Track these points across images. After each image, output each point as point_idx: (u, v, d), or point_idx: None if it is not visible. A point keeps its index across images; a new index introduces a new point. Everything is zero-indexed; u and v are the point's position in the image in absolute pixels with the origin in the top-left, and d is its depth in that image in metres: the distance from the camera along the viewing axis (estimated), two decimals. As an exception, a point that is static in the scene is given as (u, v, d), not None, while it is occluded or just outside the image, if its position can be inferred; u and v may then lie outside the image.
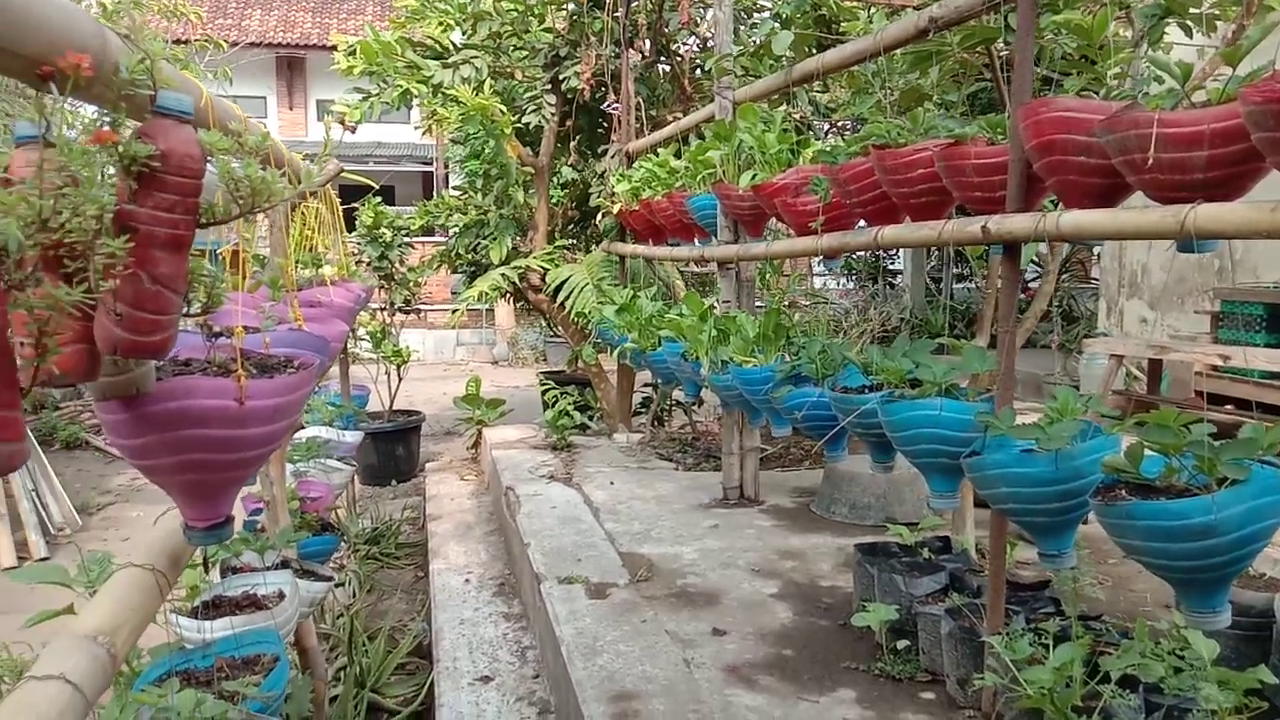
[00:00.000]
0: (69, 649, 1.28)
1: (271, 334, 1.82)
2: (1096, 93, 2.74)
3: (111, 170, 1.13)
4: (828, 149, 3.18)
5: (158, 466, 1.47)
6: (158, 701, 1.99)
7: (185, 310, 1.22)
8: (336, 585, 3.29)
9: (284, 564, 2.82)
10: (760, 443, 4.74)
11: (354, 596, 4.56)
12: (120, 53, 1.13)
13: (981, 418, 2.27)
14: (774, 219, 3.93)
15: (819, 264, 12.39)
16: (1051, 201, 2.54)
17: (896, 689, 2.69)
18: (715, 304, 4.47)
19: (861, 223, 3.09)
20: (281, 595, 2.56)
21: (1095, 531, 3.60)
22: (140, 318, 1.14)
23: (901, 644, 2.82)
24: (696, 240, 4.71)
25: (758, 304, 4.67)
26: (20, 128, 1.17)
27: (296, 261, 2.91)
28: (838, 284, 13.23)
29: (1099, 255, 10.27)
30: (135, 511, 6.83)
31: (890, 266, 13.57)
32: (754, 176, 3.67)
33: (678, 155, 4.96)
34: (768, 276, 6.79)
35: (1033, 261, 7.84)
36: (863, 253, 11.43)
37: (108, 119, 1.12)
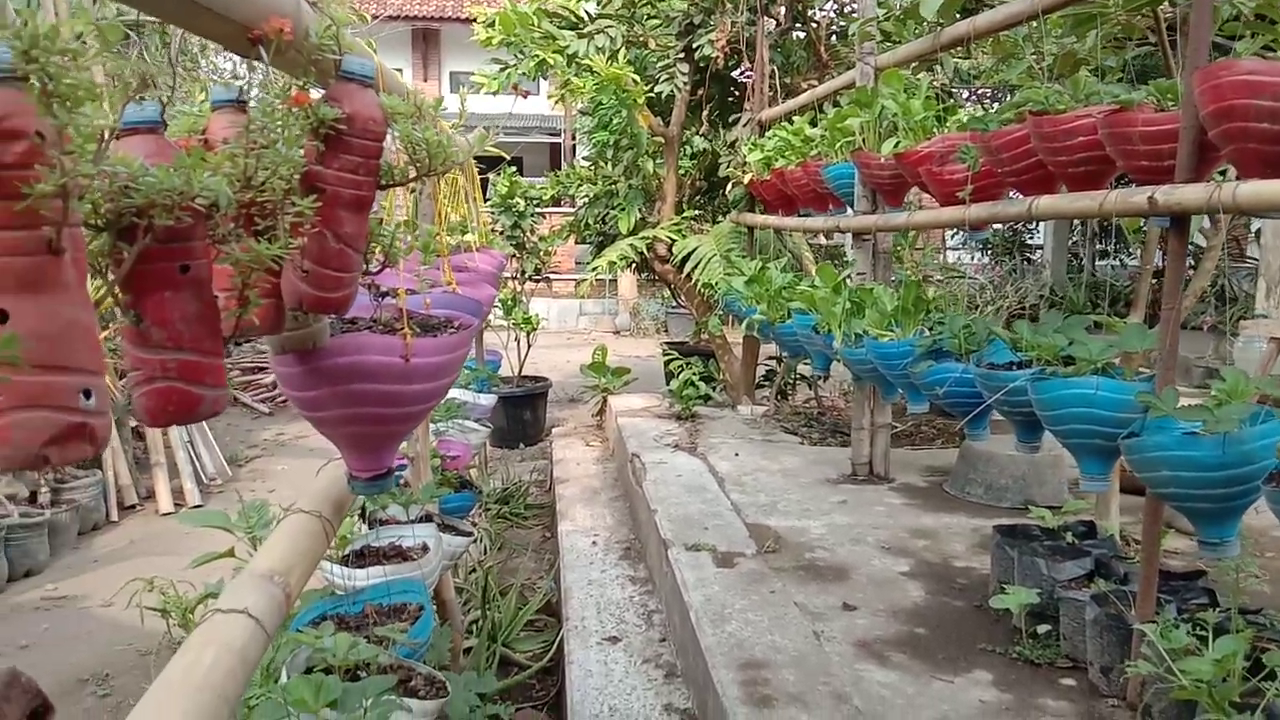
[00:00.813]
0: (249, 586, 1.36)
1: (430, 295, 1.88)
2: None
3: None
4: (979, 116, 3.07)
5: (328, 418, 1.55)
6: (315, 642, 2.11)
7: (365, 269, 1.28)
8: (473, 542, 3.41)
9: (427, 518, 2.93)
10: (891, 419, 4.64)
11: (486, 553, 4.71)
12: (310, 19, 1.18)
13: (1142, 398, 2.17)
14: (915, 189, 3.83)
15: (952, 238, 12.01)
16: (1220, 172, 2.39)
17: (1035, 674, 2.61)
18: (849, 277, 4.39)
19: (1013, 193, 2.98)
20: (425, 548, 2.67)
21: (1253, 522, 3.41)
22: (325, 274, 1.19)
23: (1042, 629, 2.74)
24: (831, 210, 4.63)
25: (892, 278, 4.57)
26: (217, 92, 1.24)
27: (444, 228, 3.00)
28: (972, 258, 12.78)
29: (1258, 232, 9.61)
30: (280, 465, 7.22)
31: (1029, 241, 13.03)
32: (897, 144, 3.58)
33: (813, 124, 4.88)
34: (901, 250, 6.62)
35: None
36: (1000, 226, 11.01)
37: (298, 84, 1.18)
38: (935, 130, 3.62)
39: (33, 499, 5.49)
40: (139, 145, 0.93)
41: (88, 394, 0.74)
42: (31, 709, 0.68)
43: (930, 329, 3.39)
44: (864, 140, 3.93)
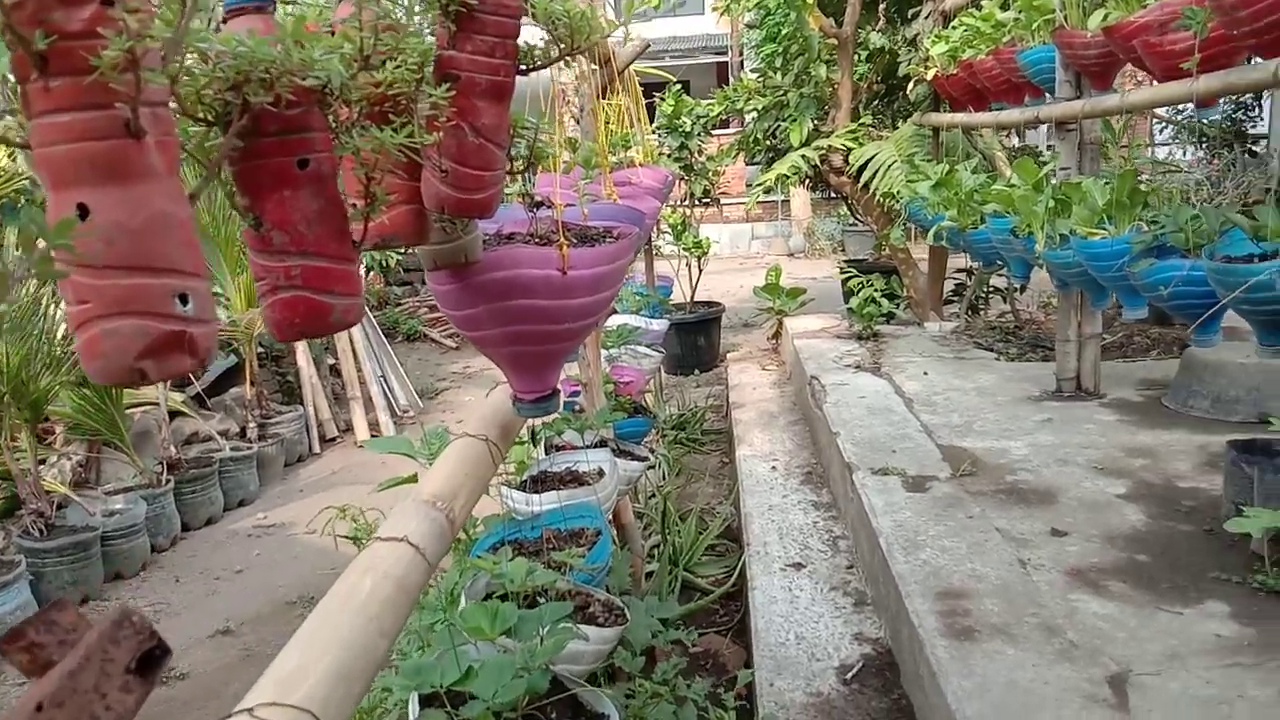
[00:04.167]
0: (410, 514, 1.30)
1: (589, 206, 1.76)
2: None
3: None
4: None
5: (487, 338, 1.47)
6: (493, 568, 2.08)
7: (509, 168, 1.16)
8: (649, 467, 3.35)
9: (602, 443, 2.87)
10: (1100, 329, 4.22)
11: (664, 479, 4.67)
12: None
13: None
14: (1125, 70, 3.39)
15: (1161, 131, 10.90)
16: None
17: (1282, 606, 2.30)
18: (1051, 174, 3.97)
19: (1255, 60, 2.56)
20: (601, 472, 2.61)
21: None
22: (465, 173, 1.08)
23: (1290, 557, 2.40)
24: (1028, 101, 4.19)
25: (1101, 174, 4.10)
26: (342, -20, 1.13)
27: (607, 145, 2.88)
28: (1184, 153, 11.56)
29: None
30: (468, 396, 7.44)
31: (1249, 130, 11.62)
32: (1105, 17, 3.16)
33: (1004, 7, 4.42)
34: (1107, 146, 5.98)
35: None
36: (1219, 116, 9.87)
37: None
38: (1152, -2, 3.17)
39: (242, 434, 5.88)
40: (245, 25, 0.83)
41: (184, 299, 0.65)
42: (144, 650, 0.60)
43: (1149, 224, 3.00)
44: (1066, 17, 3.50)
